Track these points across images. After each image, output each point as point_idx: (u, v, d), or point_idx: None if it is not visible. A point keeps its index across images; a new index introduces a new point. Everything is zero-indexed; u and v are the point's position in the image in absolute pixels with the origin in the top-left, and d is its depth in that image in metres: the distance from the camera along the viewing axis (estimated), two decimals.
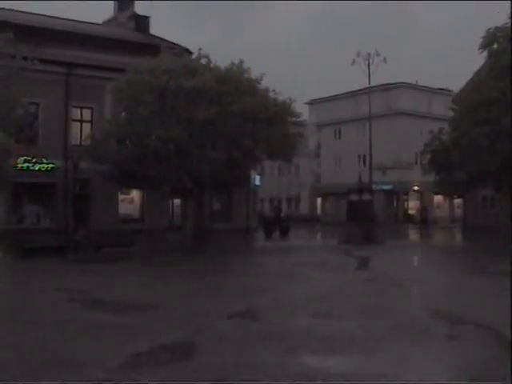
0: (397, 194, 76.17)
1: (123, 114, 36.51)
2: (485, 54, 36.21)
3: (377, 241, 37.08)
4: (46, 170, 39.46)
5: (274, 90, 35.91)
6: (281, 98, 36.03)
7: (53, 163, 39.37)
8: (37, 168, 39.17)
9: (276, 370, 9.17)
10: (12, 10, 45.26)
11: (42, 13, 48.97)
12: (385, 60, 42.65)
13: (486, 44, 35.55)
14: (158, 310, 14.71)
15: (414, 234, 55.00)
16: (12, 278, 22.40)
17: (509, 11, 32.80)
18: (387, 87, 74.57)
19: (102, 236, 33.05)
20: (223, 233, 40.40)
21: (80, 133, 41.32)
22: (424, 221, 65.63)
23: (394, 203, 77.07)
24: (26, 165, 38.52)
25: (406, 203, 78.22)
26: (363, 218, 39.14)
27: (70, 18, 50.34)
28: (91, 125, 41.75)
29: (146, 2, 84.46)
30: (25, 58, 28.97)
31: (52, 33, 43.39)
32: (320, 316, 13.79)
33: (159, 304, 15.57)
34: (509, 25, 33.84)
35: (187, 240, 37.18)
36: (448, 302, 15.62)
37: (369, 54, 43.00)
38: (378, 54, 42.70)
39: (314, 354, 10.28)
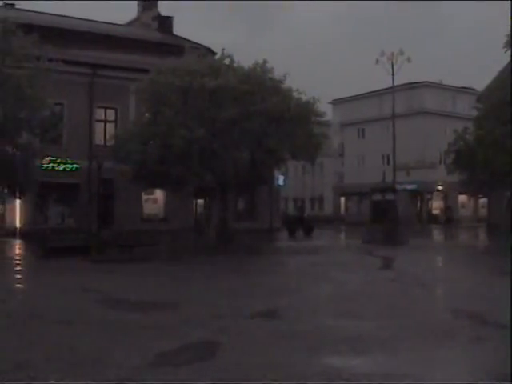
0: (421, 194, 75.85)
1: (147, 114, 36.65)
2: (509, 52, 35.97)
3: (400, 241, 36.89)
4: (71, 170, 39.78)
5: (297, 90, 35.86)
6: (304, 97, 35.96)
7: (77, 163, 39.67)
8: (61, 168, 39.49)
9: (299, 370, 9.16)
10: (37, 12, 45.58)
11: (66, 14, 49.32)
12: (409, 59, 42.38)
13: (510, 43, 35.31)
14: (181, 310, 14.74)
15: (437, 234, 54.71)
16: (37, 277, 22.53)
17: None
18: (411, 86, 74.26)
19: (126, 236, 33.18)
20: (247, 232, 40.43)
21: (104, 133, 41.63)
22: (448, 221, 65.26)
23: (418, 203, 76.77)
24: (50, 165, 38.81)
25: (429, 203, 77.88)
26: (387, 217, 38.99)
27: (94, 19, 50.68)
28: (115, 125, 42.03)
29: (170, 3, 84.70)
30: (50, 60, 29.19)
31: (76, 34, 43.73)
32: (343, 316, 13.76)
33: (183, 303, 15.61)
34: None
35: (211, 240, 37.22)
36: (472, 303, 15.53)
37: (392, 54, 42.75)
38: (402, 53, 42.45)
39: (338, 353, 10.27)
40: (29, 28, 30.11)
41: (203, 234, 36.32)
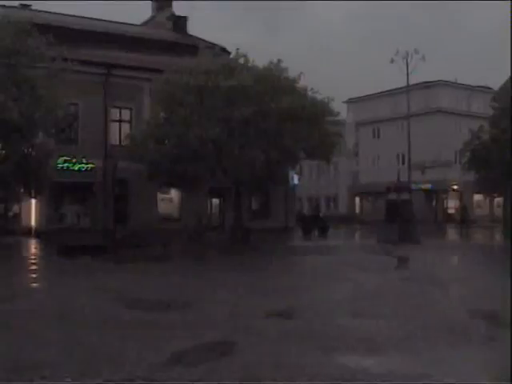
0: (436, 193, 75.65)
1: (162, 114, 36.73)
2: None
3: (416, 240, 36.78)
4: (86, 170, 39.89)
5: (312, 89, 35.87)
6: (319, 96, 35.97)
7: (92, 163, 39.80)
8: (76, 168, 39.64)
9: (314, 370, 9.14)
10: (52, 12, 45.76)
11: (81, 15, 49.48)
12: (423, 58, 42.34)
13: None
14: (197, 309, 14.75)
15: (453, 234, 54.52)
16: (52, 276, 22.61)
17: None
18: (426, 85, 74.09)
19: (142, 235, 33.25)
20: (261, 232, 40.40)
21: (119, 133, 41.74)
22: (464, 220, 64.93)
23: (433, 202, 76.56)
24: (66, 165, 38.96)
25: (445, 202, 77.65)
26: (402, 217, 38.88)
27: (108, 19, 50.80)
28: (130, 125, 42.14)
29: (186, 3, 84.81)
30: (65, 60, 29.28)
31: (91, 34, 43.88)
32: (359, 315, 13.73)
33: (198, 303, 15.61)
34: None
35: (226, 239, 37.23)
36: (488, 303, 15.44)
37: (407, 53, 42.71)
38: (417, 52, 42.43)
39: (353, 353, 10.24)
40: (44, 28, 30.23)
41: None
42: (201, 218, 38.45)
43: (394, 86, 73.01)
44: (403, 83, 47.28)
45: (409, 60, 42.63)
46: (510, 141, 36.72)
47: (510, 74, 43.15)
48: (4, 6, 40.58)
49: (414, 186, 48.88)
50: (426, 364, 9.64)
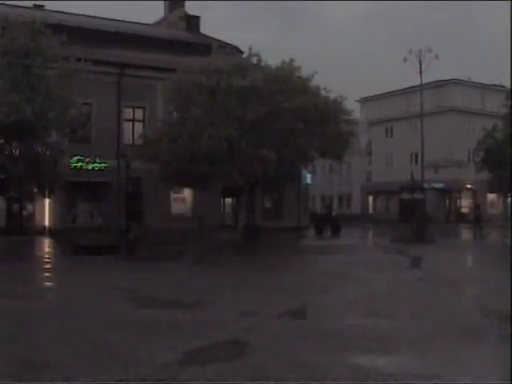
0: (449, 193, 75.42)
1: (175, 113, 36.80)
2: None
3: (429, 240, 36.73)
4: (99, 169, 40.00)
5: (325, 88, 35.82)
6: (332, 96, 35.93)
7: (105, 163, 39.90)
8: (90, 167, 39.75)
9: (327, 370, 9.14)
10: (65, 12, 45.90)
11: (94, 15, 49.60)
12: (437, 56, 42.12)
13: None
14: (209, 308, 14.77)
15: (466, 233, 54.31)
16: (66, 275, 22.69)
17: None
18: (439, 84, 73.82)
19: (155, 234, 33.31)
20: (274, 231, 40.42)
21: (132, 132, 41.84)
22: (477, 219, 64.62)
23: (447, 202, 76.32)
24: (79, 164, 39.08)
25: (458, 202, 77.41)
26: (415, 216, 38.81)
27: (121, 19, 50.92)
28: (143, 124, 42.23)
29: (199, 2, 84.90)
30: (78, 60, 29.37)
31: (104, 34, 44.00)
32: (372, 315, 13.71)
33: (211, 302, 15.63)
34: None
35: (239, 238, 37.25)
36: (501, 303, 15.39)
37: (420, 51, 42.49)
38: (430, 51, 42.17)
39: (366, 353, 10.23)
40: (57, 28, 30.33)
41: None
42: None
43: (407, 85, 72.78)
44: (416, 82, 47.00)
45: (422, 59, 42.35)
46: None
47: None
48: (18, 6, 40.77)
49: (427, 186, 48.66)
50: (438, 364, 9.62)
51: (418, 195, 41.74)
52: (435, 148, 63.85)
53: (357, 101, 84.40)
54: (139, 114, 42.89)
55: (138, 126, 42.34)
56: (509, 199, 72.49)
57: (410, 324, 12.73)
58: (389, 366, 9.51)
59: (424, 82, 45.22)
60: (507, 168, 41.25)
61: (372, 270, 23.46)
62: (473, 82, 77.32)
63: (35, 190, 33.64)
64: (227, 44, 45.91)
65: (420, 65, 42.38)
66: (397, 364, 9.72)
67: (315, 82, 35.75)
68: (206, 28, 56.34)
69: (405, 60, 42.30)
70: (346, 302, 16.07)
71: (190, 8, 59.65)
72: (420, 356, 10.14)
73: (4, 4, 41.42)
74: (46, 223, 39.52)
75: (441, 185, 71.47)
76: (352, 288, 18.65)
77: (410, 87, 69.08)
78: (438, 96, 73.72)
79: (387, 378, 8.80)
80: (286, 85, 34.02)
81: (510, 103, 38.09)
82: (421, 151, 45.28)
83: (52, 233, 38.29)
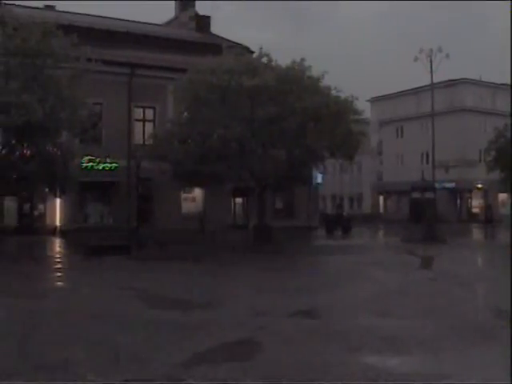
0: (460, 192, 75.19)
1: (185, 113, 36.81)
2: None
3: (440, 239, 36.65)
4: (110, 169, 40.09)
5: (335, 88, 35.75)
6: (342, 95, 35.85)
7: (116, 163, 39.98)
8: (100, 167, 39.84)
9: (338, 370, 9.14)
10: (76, 13, 46.01)
11: (104, 15, 49.70)
12: (447, 56, 42.01)
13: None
14: (220, 308, 14.79)
15: (477, 233, 54.16)
16: (77, 275, 22.75)
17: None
18: (450, 83, 73.58)
19: (165, 234, 33.34)
20: (285, 231, 40.38)
21: (143, 132, 41.92)
22: (488, 219, 64.48)
23: (458, 201, 76.09)
24: (90, 164, 39.18)
25: (469, 201, 77.15)
26: (426, 216, 38.71)
27: (132, 19, 51.01)
28: (154, 124, 42.29)
29: (210, 2, 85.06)
30: (88, 60, 29.42)
31: (115, 34, 44.12)
32: (382, 315, 13.70)
33: (221, 302, 15.66)
34: None
35: (249, 238, 37.24)
36: None
37: (431, 50, 42.38)
38: (441, 50, 42.07)
39: (377, 353, 10.23)
40: (68, 29, 30.41)
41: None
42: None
43: (417, 85, 72.62)
44: (427, 81, 46.93)
45: (433, 58, 42.25)
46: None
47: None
48: (29, 7, 40.89)
49: (437, 185, 48.54)
50: (449, 364, 9.61)
51: (428, 195, 41.58)
52: (446, 148, 63.73)
53: (367, 100, 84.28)
54: (150, 114, 42.97)
55: (149, 126, 42.41)
56: None
57: (421, 324, 12.71)
58: (399, 366, 9.50)
59: (435, 81, 45.15)
60: None
61: (383, 270, 23.45)
62: (484, 82, 77.05)
63: (46, 189, 33.72)
64: (237, 44, 45.90)
65: (431, 64, 42.28)
66: (407, 364, 9.72)
67: (326, 81, 35.72)
68: (216, 28, 56.43)
69: (415, 59, 42.21)
70: (357, 301, 16.06)
71: (201, 8, 59.77)
72: (431, 356, 10.12)
73: (15, 5, 41.53)
74: (57, 223, 39.62)
75: (452, 184, 71.30)
76: (363, 288, 18.63)
77: (421, 87, 69.00)
78: (449, 95, 73.49)
79: (398, 377, 8.79)
80: (297, 85, 33.98)
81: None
82: (431, 151, 45.20)
83: (63, 233, 38.40)
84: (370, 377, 8.78)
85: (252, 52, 42.42)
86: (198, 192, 44.23)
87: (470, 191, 75.59)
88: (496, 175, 49.11)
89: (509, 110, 55.34)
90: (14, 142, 29.33)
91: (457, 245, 36.05)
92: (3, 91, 26.29)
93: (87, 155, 38.64)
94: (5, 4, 37.65)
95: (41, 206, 40.44)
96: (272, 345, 10.76)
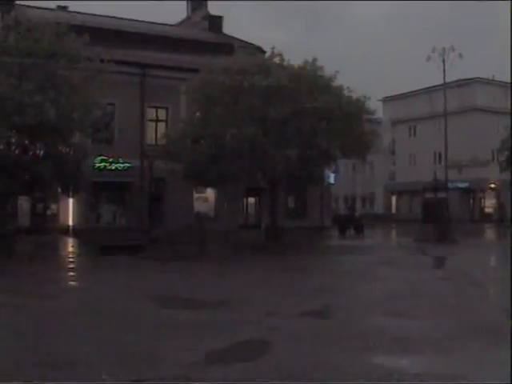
0: (473, 192, 74.94)
1: (198, 113, 36.84)
2: None
3: (452, 239, 36.54)
4: (123, 169, 40.14)
5: (348, 88, 35.72)
6: (355, 95, 35.81)
7: (129, 163, 40.04)
8: (113, 168, 39.91)
9: (349, 370, 9.14)
10: (88, 13, 46.12)
11: (116, 16, 49.79)
12: (460, 55, 41.90)
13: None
14: (232, 308, 14.81)
15: (490, 233, 53.97)
16: (90, 275, 22.84)
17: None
18: (463, 83, 73.32)
19: (177, 234, 33.36)
20: (297, 231, 40.37)
21: (155, 132, 41.97)
22: (501, 219, 64.22)
23: (471, 201, 75.84)
24: (102, 164, 39.26)
25: (482, 201, 76.88)
26: (439, 216, 38.61)
27: (144, 19, 51.07)
28: (166, 124, 42.32)
29: (222, 2, 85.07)
30: (101, 60, 29.49)
31: (127, 35, 44.19)
32: (395, 315, 13.69)
33: (233, 302, 15.67)
34: None
35: (262, 238, 37.24)
36: None
37: (444, 50, 42.28)
38: (454, 50, 41.97)
39: (389, 353, 10.22)
40: (81, 30, 30.48)
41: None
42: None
43: (430, 84, 72.41)
44: (439, 81, 46.84)
45: (445, 57, 42.14)
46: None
47: None
48: (42, 8, 41.05)
49: (450, 185, 48.43)
50: (462, 365, 9.59)
51: (441, 195, 41.53)
52: (459, 147, 63.51)
53: (380, 100, 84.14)
54: (162, 114, 43.02)
55: (161, 126, 42.47)
56: None
57: (434, 324, 12.68)
58: (412, 367, 9.49)
59: (447, 80, 45.07)
60: None
61: (395, 269, 23.42)
62: (497, 81, 76.70)
63: (59, 190, 33.84)
64: (250, 44, 45.91)
65: (443, 63, 42.20)
66: (420, 364, 9.70)
67: (338, 81, 35.70)
68: (228, 28, 56.42)
69: (428, 59, 42.17)
70: (370, 301, 16.04)
71: (213, 8, 59.72)
72: (443, 356, 10.10)
73: (28, 6, 41.69)
74: (70, 223, 39.73)
75: (464, 184, 71.09)
76: (375, 288, 18.61)
77: (433, 86, 68.77)
78: (462, 95, 73.23)
79: (410, 378, 8.78)
80: (309, 84, 33.97)
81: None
82: (444, 150, 45.11)
83: (76, 232, 38.49)
84: (383, 377, 8.77)
85: (264, 52, 42.42)
86: (210, 192, 44.26)
87: (483, 191, 75.33)
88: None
89: None
90: (26, 142, 29.44)
91: (469, 245, 35.93)
92: (16, 92, 26.39)
93: (100, 155, 38.73)
94: (18, 5, 37.85)
95: (54, 206, 40.59)
96: (284, 345, 10.77)
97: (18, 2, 42.65)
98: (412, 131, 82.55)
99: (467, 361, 9.83)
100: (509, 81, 75.11)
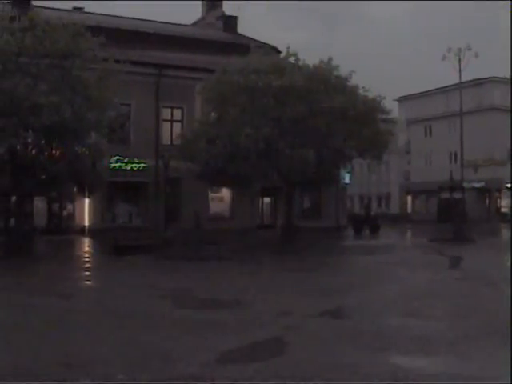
0: (489, 192, 74.61)
1: (213, 113, 36.87)
2: None
3: (468, 239, 36.41)
4: (138, 169, 40.25)
5: (363, 88, 35.68)
6: (370, 95, 35.76)
7: (144, 163, 40.14)
8: (129, 168, 40.03)
9: (366, 370, 9.12)
10: (104, 14, 46.26)
11: (132, 16, 49.91)
12: (476, 55, 41.70)
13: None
14: (247, 308, 14.82)
15: (507, 233, 53.68)
16: (106, 275, 22.90)
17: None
18: (478, 82, 72.97)
19: (193, 234, 33.38)
20: (313, 231, 40.34)
21: (171, 132, 42.05)
22: None
23: (487, 201, 75.50)
24: (118, 164, 39.38)
25: (498, 201, 76.50)
26: (454, 216, 38.47)
27: (158, 20, 51.17)
28: (181, 124, 42.40)
29: (237, 2, 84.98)
30: (117, 61, 29.57)
31: (142, 35, 44.30)
32: (411, 315, 13.65)
33: (249, 301, 15.67)
34: None
35: (277, 238, 37.22)
36: None
37: (459, 49, 42.12)
38: (470, 49, 41.80)
39: (405, 353, 10.20)
40: (96, 30, 30.57)
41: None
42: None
43: (445, 84, 72.12)
44: (455, 80, 46.65)
45: (461, 57, 41.97)
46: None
47: None
48: (58, 9, 41.20)
49: (466, 185, 48.22)
50: (478, 365, 9.55)
51: (457, 195, 41.38)
52: (474, 147, 63.27)
53: (395, 100, 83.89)
54: (177, 114, 43.11)
55: (177, 127, 42.55)
56: None
57: (450, 324, 12.66)
58: (428, 367, 9.47)
59: (463, 80, 44.86)
60: None
61: (411, 270, 23.36)
62: None
63: (75, 190, 33.97)
64: (265, 44, 45.86)
65: (459, 63, 42.03)
66: (436, 364, 9.67)
67: (353, 81, 35.67)
68: (243, 28, 56.34)
69: (443, 58, 41.99)
70: (385, 301, 16.01)
71: (228, 8, 59.80)
72: (460, 357, 10.07)
73: (45, 7, 41.87)
74: (86, 223, 39.89)
75: (480, 184, 70.79)
76: (391, 288, 18.57)
77: (449, 86, 68.44)
78: (478, 94, 72.88)
79: (426, 378, 8.76)
80: (324, 84, 33.94)
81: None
82: (460, 150, 44.94)
83: (91, 232, 38.63)
84: (399, 377, 8.75)
85: (280, 52, 42.40)
86: (225, 192, 44.30)
87: (499, 191, 74.99)
88: None
89: None
90: (43, 142, 29.57)
91: (485, 244, 35.79)
92: (32, 92, 26.50)
93: (115, 155, 38.83)
94: (34, 7, 38.00)
95: (70, 206, 40.76)
96: (300, 345, 10.76)
97: (34, 3, 42.87)
98: (427, 131, 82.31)
99: (484, 361, 9.79)
100: None
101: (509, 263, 25.62)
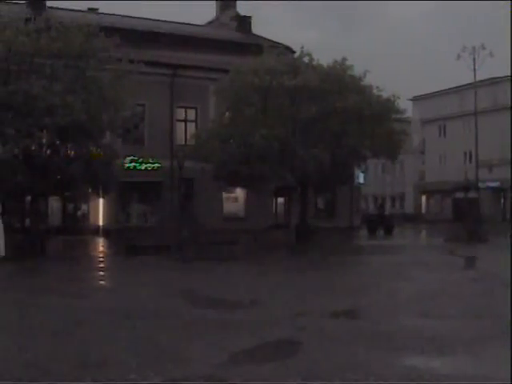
0: (504, 192, 74.18)
1: (227, 113, 36.90)
2: None
3: (483, 239, 36.26)
4: (152, 169, 40.31)
5: (377, 87, 35.63)
6: (385, 94, 35.70)
7: (159, 163, 40.21)
8: (143, 168, 40.09)
9: (380, 370, 9.10)
10: (118, 15, 46.39)
11: (146, 17, 50.01)
12: (491, 54, 41.57)
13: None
14: (261, 308, 14.81)
15: None
16: (120, 275, 22.97)
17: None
18: (493, 81, 72.57)
19: (207, 234, 33.40)
20: (327, 231, 40.29)
21: (185, 133, 42.09)
22: None
23: (502, 201, 75.08)
24: (132, 165, 39.46)
25: None
26: (469, 216, 38.31)
27: (172, 20, 51.25)
28: (196, 125, 42.42)
29: (251, 2, 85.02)
30: (131, 61, 29.64)
31: (156, 36, 44.39)
32: (425, 316, 13.60)
33: (263, 301, 15.67)
34: None
35: (291, 238, 37.20)
36: None
37: (474, 48, 42.03)
38: (484, 48, 41.69)
39: (420, 354, 10.16)
40: (110, 31, 30.68)
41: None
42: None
43: (460, 83, 71.87)
44: (470, 79, 46.56)
45: (476, 56, 41.87)
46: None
47: None
48: (73, 10, 41.37)
49: (481, 185, 48.07)
50: (493, 366, 9.51)
51: (472, 194, 41.22)
52: (489, 146, 63.03)
53: (409, 99, 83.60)
54: (192, 114, 43.15)
55: (191, 127, 42.59)
56: None
57: (465, 325, 12.61)
58: (443, 367, 9.43)
59: (478, 79, 44.74)
60: None
61: (425, 270, 23.27)
62: None
63: (89, 190, 34.09)
64: (279, 44, 45.88)
65: (474, 62, 41.91)
66: (451, 365, 9.64)
67: (368, 80, 35.66)
68: (258, 28, 56.34)
69: (458, 57, 41.91)
70: (399, 302, 15.99)
71: (242, 8, 59.83)
72: (474, 357, 10.04)
73: (59, 8, 42.05)
74: (100, 223, 39.97)
75: (495, 184, 70.44)
76: (405, 288, 18.54)
77: (463, 85, 68.28)
78: (493, 93, 72.52)
79: (441, 378, 8.73)
80: (338, 84, 33.92)
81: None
82: (475, 150, 44.81)
83: (106, 232, 38.71)
84: (413, 377, 8.73)
85: (294, 52, 42.38)
86: (239, 192, 44.29)
87: None
88: None
89: None
90: (57, 142, 29.69)
91: (501, 244, 35.56)
92: (47, 93, 26.62)
93: (130, 155, 38.92)
94: (49, 8, 38.16)
95: (84, 206, 40.87)
96: (313, 345, 10.74)
97: (49, 4, 43.05)
98: (442, 131, 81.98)
99: (499, 362, 9.74)
100: None
101: None
